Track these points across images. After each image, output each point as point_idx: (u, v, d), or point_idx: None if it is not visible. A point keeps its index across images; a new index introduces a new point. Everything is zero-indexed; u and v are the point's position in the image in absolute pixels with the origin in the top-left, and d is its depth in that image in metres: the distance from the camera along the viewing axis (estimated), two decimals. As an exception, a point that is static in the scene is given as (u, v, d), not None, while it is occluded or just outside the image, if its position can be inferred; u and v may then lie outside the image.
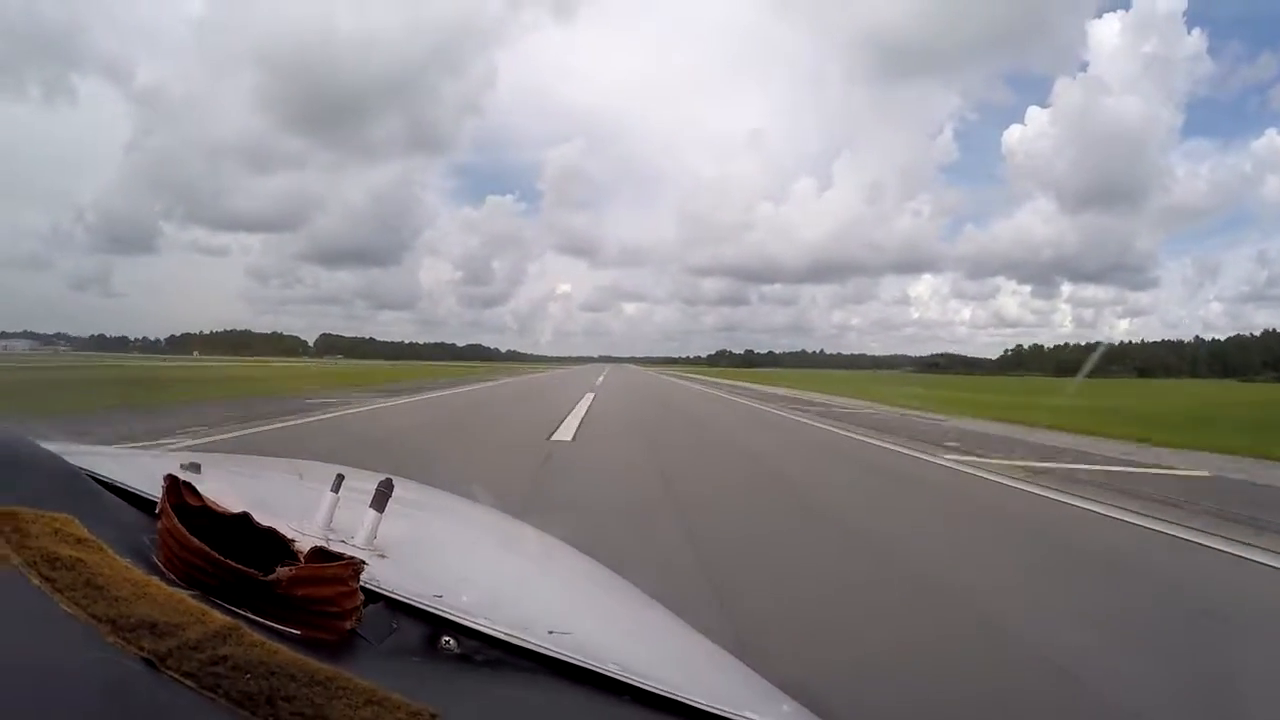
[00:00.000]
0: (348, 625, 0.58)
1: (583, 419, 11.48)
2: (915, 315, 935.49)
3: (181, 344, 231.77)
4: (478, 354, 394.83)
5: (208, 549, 0.57)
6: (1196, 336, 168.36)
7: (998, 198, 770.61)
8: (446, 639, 0.64)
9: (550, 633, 0.66)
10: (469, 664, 0.63)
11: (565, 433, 9.25)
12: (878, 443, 9.80)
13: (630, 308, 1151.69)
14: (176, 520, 0.60)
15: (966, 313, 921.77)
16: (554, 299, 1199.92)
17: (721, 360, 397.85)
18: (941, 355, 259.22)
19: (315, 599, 0.57)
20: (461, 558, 1.12)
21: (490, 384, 27.05)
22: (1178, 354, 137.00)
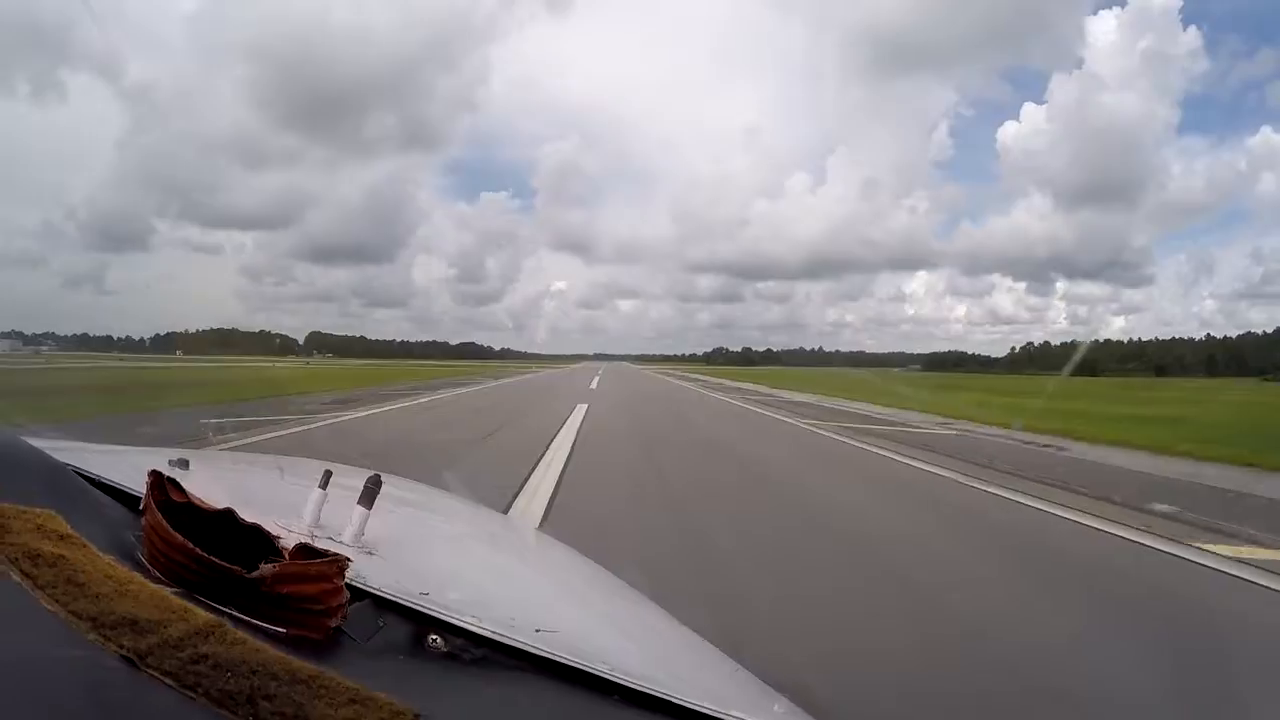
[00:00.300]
0: (333, 623, 0.57)
1: (565, 465, 7.36)
2: (911, 312, 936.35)
3: (166, 343, 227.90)
4: (471, 352, 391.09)
5: (191, 545, 0.56)
6: (1208, 334, 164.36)
7: (993, 194, 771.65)
8: (433, 637, 0.63)
9: (538, 631, 0.65)
10: (455, 662, 0.62)
11: (529, 510, 5.11)
12: (1056, 511, 5.83)
13: (625, 305, 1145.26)
14: (160, 516, 0.59)
15: (962, 309, 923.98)
16: (549, 296, 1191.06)
17: (718, 358, 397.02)
18: (951, 353, 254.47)
19: (300, 596, 0.56)
20: (450, 554, 1.11)
21: (465, 390, 22.56)
22: (1193, 351, 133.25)
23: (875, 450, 9.53)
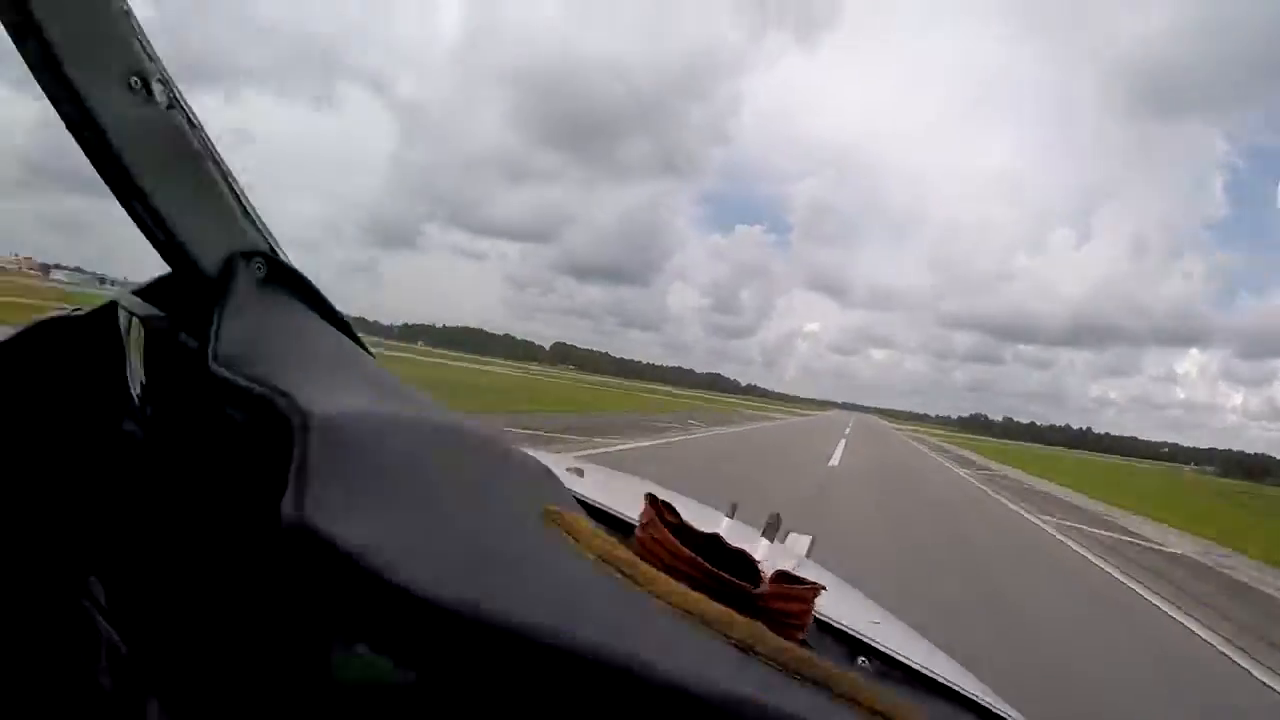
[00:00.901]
0: (801, 636, 0.62)
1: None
2: (1181, 395, 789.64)
3: (410, 333, 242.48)
4: (716, 384, 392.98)
5: (701, 560, 0.59)
6: None
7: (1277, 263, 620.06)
8: (862, 659, 0.70)
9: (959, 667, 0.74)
10: (888, 683, 0.68)
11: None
12: None
13: (878, 354, 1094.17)
14: (667, 532, 0.62)
15: (1238, 398, 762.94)
16: (800, 336, 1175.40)
17: (976, 425, 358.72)
18: (1260, 456, 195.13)
19: (785, 613, 0.61)
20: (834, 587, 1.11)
21: (647, 444, 14.40)
22: None
23: None
